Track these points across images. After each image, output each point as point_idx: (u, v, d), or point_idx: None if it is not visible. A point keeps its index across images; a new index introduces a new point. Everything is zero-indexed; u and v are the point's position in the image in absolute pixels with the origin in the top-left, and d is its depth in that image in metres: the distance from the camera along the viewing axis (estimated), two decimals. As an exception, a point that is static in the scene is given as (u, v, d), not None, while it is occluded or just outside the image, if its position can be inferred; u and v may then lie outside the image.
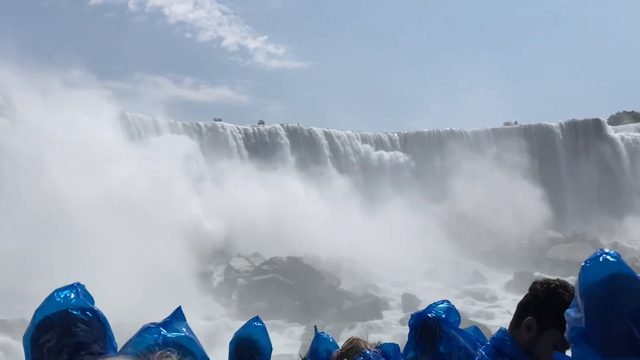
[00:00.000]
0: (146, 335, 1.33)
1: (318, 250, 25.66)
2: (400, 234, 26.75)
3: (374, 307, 22.19)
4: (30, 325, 1.44)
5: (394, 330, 19.50)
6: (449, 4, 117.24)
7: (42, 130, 23.88)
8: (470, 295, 24.79)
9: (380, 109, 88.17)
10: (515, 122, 39.93)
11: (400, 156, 36.10)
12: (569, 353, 1.40)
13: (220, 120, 34.69)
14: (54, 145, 23.52)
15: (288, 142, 34.27)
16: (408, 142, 37.04)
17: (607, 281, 1.19)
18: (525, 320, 1.60)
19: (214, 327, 18.36)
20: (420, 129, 38.10)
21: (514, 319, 1.68)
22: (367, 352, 2.26)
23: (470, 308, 22.73)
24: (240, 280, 24.81)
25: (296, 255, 25.25)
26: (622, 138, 37.80)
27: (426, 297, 20.36)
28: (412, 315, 1.97)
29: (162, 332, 1.33)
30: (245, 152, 32.89)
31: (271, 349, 2.63)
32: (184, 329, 1.40)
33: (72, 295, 1.46)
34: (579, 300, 1.23)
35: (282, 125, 35.52)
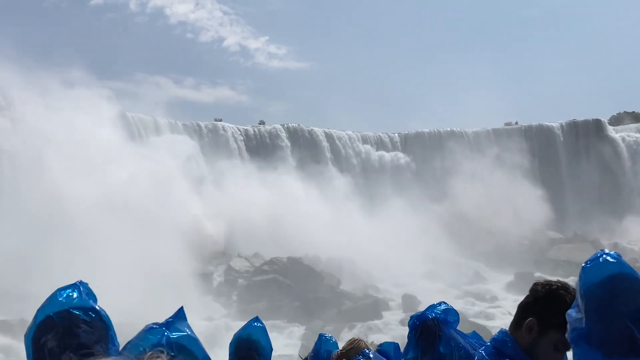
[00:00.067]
0: (149, 335, 1.33)
1: (318, 251, 25.66)
2: (401, 234, 26.75)
3: (374, 307, 22.18)
4: (31, 324, 1.43)
5: (393, 330, 19.50)
6: (450, 4, 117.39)
7: (42, 130, 23.89)
8: (470, 295, 24.77)
9: (381, 109, 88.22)
10: (516, 123, 39.92)
11: (401, 156, 36.10)
12: (569, 354, 1.40)
13: (220, 120, 34.72)
14: (54, 145, 23.54)
15: (288, 142, 34.28)
16: (408, 142, 37.04)
17: (608, 281, 1.19)
18: (527, 321, 1.60)
19: (214, 328, 18.37)
20: (420, 130, 38.11)
21: (514, 320, 1.68)
22: (367, 351, 2.26)
23: (470, 309, 22.71)
24: (240, 280, 24.81)
25: (296, 255, 25.25)
26: (623, 138, 37.78)
27: (426, 297, 20.35)
28: (411, 317, 1.97)
29: (166, 333, 1.33)
30: (245, 153, 32.90)
31: (271, 350, 2.63)
32: (187, 329, 1.39)
33: (75, 295, 1.45)
34: (579, 300, 1.24)
35: (282, 125, 35.53)
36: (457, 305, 2.08)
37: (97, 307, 1.47)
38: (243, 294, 23.42)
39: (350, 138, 36.29)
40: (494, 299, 24.70)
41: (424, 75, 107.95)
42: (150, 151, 26.84)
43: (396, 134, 37.71)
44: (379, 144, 36.73)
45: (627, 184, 36.33)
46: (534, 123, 38.74)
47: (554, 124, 38.31)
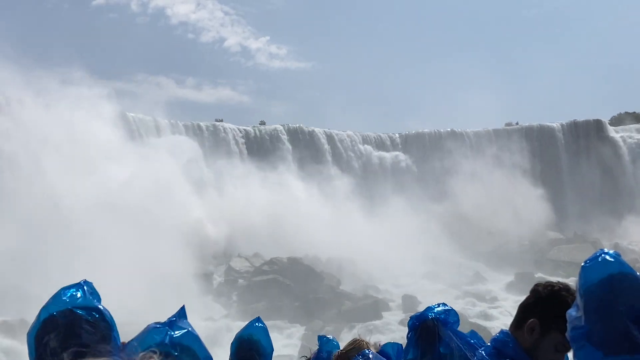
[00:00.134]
0: (153, 335, 1.32)
1: (318, 251, 25.67)
2: (401, 234, 26.74)
3: (374, 308, 22.18)
4: (34, 323, 1.43)
5: (393, 331, 19.49)
6: (450, 4, 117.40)
7: (41, 130, 23.90)
8: (470, 296, 24.76)
9: (382, 109, 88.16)
10: (517, 123, 39.91)
11: (401, 157, 36.09)
12: (570, 355, 1.40)
13: (221, 120, 34.72)
14: (53, 145, 23.55)
15: (289, 142, 34.29)
16: (409, 142, 37.04)
17: (607, 281, 1.20)
18: (529, 322, 1.61)
19: (214, 328, 18.37)
20: (421, 130, 38.11)
21: (515, 320, 1.69)
22: (367, 352, 2.25)
23: (470, 309, 22.70)
24: (240, 280, 24.81)
25: (296, 255, 25.25)
26: (623, 139, 37.77)
27: (426, 298, 20.35)
28: (411, 317, 1.97)
29: (169, 332, 1.32)
30: (245, 153, 32.90)
31: (272, 350, 2.64)
32: (189, 329, 1.39)
33: (79, 294, 1.45)
34: (579, 299, 1.24)
35: (282, 125, 35.54)
36: (457, 306, 2.09)
37: (101, 307, 1.47)
38: (243, 294, 23.43)
39: (350, 138, 36.29)
40: (494, 299, 24.69)
41: (424, 76, 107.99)
42: (151, 151, 26.86)
43: (396, 134, 37.71)
44: (379, 144, 36.73)
45: (628, 185, 36.32)
46: (535, 123, 38.75)
47: (554, 125, 38.30)
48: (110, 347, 1.44)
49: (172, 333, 1.32)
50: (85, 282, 1.50)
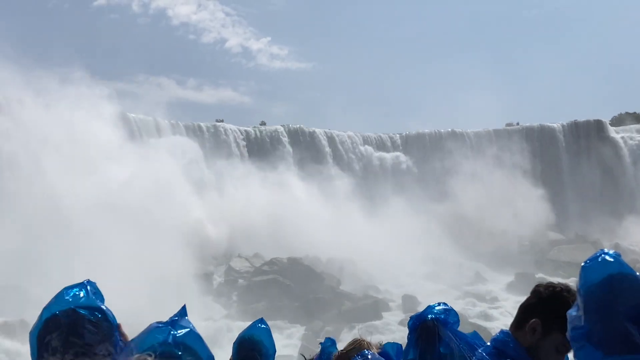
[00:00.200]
0: (156, 334, 1.32)
1: (318, 251, 25.66)
2: (401, 235, 26.74)
3: (374, 308, 22.18)
4: (37, 322, 1.43)
5: (393, 331, 19.49)
6: (452, 5, 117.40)
7: (41, 130, 23.90)
8: (471, 296, 24.76)
9: (383, 109, 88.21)
10: (517, 123, 39.90)
11: (402, 157, 36.09)
12: (570, 355, 1.40)
13: (221, 121, 34.73)
14: (53, 145, 23.54)
15: (289, 143, 34.29)
16: (409, 143, 37.03)
17: (608, 281, 1.21)
18: (531, 322, 1.61)
19: (214, 328, 18.37)
20: (421, 130, 38.11)
21: (515, 320, 1.69)
22: (366, 352, 2.25)
23: (471, 309, 22.70)
24: (240, 281, 24.81)
25: (296, 256, 25.25)
26: (624, 139, 37.75)
27: (427, 298, 20.32)
28: (411, 317, 1.97)
29: (172, 332, 1.32)
30: (246, 153, 32.90)
31: (274, 351, 2.64)
32: (191, 328, 1.39)
33: (82, 294, 1.45)
34: (579, 300, 1.25)
35: (283, 126, 35.55)
36: (457, 306, 2.09)
37: (103, 307, 1.47)
38: (243, 295, 23.42)
39: (351, 139, 36.29)
40: (494, 299, 24.67)
41: (425, 76, 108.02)
42: (151, 152, 26.87)
43: (397, 135, 37.71)
44: (380, 145, 36.72)
45: (628, 185, 36.29)
46: (535, 124, 38.74)
47: (555, 125, 38.28)
48: (112, 347, 1.44)
49: (175, 332, 1.32)
50: (89, 281, 1.50)
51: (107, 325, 1.44)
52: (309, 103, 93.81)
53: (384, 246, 25.66)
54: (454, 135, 36.97)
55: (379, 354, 2.33)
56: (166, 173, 25.60)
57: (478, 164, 33.92)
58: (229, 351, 2.67)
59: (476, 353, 1.68)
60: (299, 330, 20.23)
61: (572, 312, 1.26)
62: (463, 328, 1.98)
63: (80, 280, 1.52)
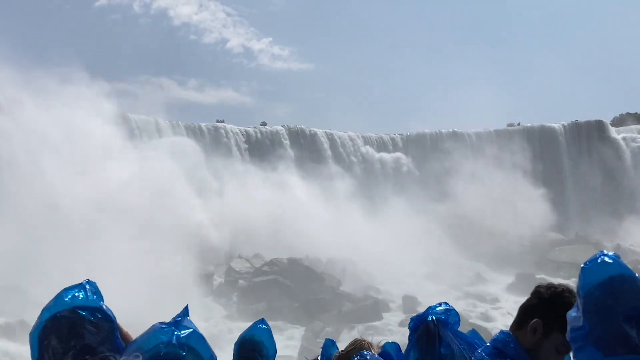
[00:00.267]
0: (159, 335, 1.32)
1: (319, 252, 25.65)
2: (402, 235, 26.72)
3: (374, 309, 22.17)
4: (36, 324, 1.42)
5: (393, 332, 19.48)
6: (453, 5, 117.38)
7: (41, 130, 23.90)
8: (471, 297, 24.74)
9: (384, 110, 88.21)
10: (518, 124, 39.88)
11: (402, 157, 36.08)
12: (571, 355, 1.40)
13: (222, 121, 34.74)
14: (52, 145, 23.54)
15: (289, 143, 34.30)
16: (410, 143, 37.02)
17: (608, 282, 1.21)
18: (532, 322, 1.61)
19: (214, 329, 18.38)
20: (422, 130, 38.09)
21: (516, 321, 1.69)
22: (365, 353, 2.25)
23: (471, 310, 22.69)
24: (240, 281, 24.80)
25: (297, 256, 25.25)
26: (625, 140, 37.72)
27: (427, 298, 20.30)
28: (412, 318, 1.96)
29: (176, 332, 1.32)
30: (246, 154, 32.90)
31: (275, 352, 2.65)
32: (194, 328, 1.39)
33: (81, 294, 1.44)
34: (579, 301, 1.25)
35: (283, 126, 35.55)
36: (458, 307, 2.08)
37: (103, 307, 1.46)
38: (243, 295, 23.42)
39: (351, 139, 36.28)
40: (495, 300, 24.65)
41: (426, 76, 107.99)
42: (151, 152, 26.87)
43: (397, 135, 37.70)
44: (381, 145, 36.71)
45: (629, 186, 36.25)
46: (536, 124, 38.71)
47: (556, 125, 38.25)
48: (112, 347, 1.43)
49: (179, 333, 1.32)
50: (88, 281, 1.49)
51: (107, 325, 1.43)
52: (310, 103, 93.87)
53: (385, 247, 25.64)
54: (454, 135, 36.95)
55: (379, 354, 2.33)
56: (166, 173, 25.60)
57: (479, 164, 33.89)
58: (228, 352, 2.67)
59: (475, 353, 1.68)
60: (299, 331, 20.23)
61: (571, 313, 1.27)
62: (463, 329, 1.97)
63: (80, 281, 1.51)
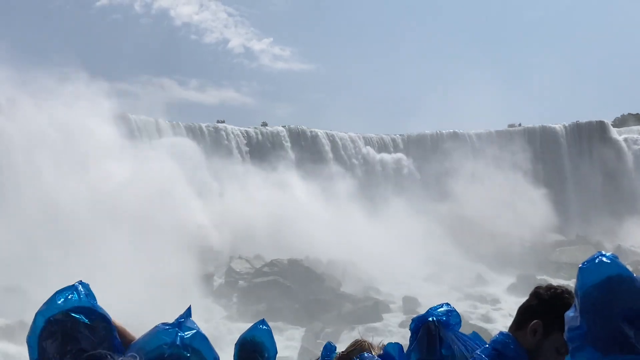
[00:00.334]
0: (163, 336, 1.31)
1: (319, 253, 25.64)
2: (403, 236, 26.71)
3: (374, 309, 22.15)
4: (31, 329, 1.41)
5: (393, 333, 19.46)
6: (454, 6, 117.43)
7: (39, 131, 23.90)
8: (472, 298, 24.71)
9: (385, 110, 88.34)
10: (519, 124, 39.86)
11: (403, 158, 36.07)
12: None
13: (223, 122, 34.75)
14: (52, 147, 23.53)
15: (290, 143, 34.29)
16: (411, 144, 37.01)
17: (605, 283, 1.22)
18: (532, 323, 1.61)
19: (214, 329, 18.35)
20: (423, 131, 38.09)
21: (515, 322, 1.69)
22: (365, 354, 2.24)
23: (472, 311, 22.66)
24: (240, 282, 24.79)
25: (297, 257, 25.24)
26: (626, 140, 37.68)
27: (427, 300, 20.30)
28: (413, 319, 1.96)
29: (179, 334, 1.32)
30: (247, 154, 32.90)
31: (276, 353, 2.64)
32: (198, 329, 1.38)
33: (74, 297, 1.43)
34: (576, 301, 1.26)
35: (284, 127, 35.55)
36: (458, 308, 2.08)
37: (97, 308, 1.45)
38: (243, 296, 23.41)
39: (352, 139, 36.28)
40: (495, 301, 24.62)
41: (427, 77, 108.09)
42: (151, 153, 26.87)
43: (398, 136, 37.70)
44: (381, 146, 36.71)
45: (630, 187, 36.20)
46: (537, 125, 38.68)
47: (556, 126, 38.22)
48: (110, 348, 1.42)
49: (182, 334, 1.31)
50: (81, 282, 1.48)
51: (103, 325, 1.43)
52: (312, 104, 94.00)
53: (385, 247, 25.63)
54: (455, 136, 36.93)
55: (380, 355, 2.32)
56: (166, 174, 25.60)
57: (479, 165, 33.88)
58: (228, 352, 2.66)
59: (474, 354, 1.67)
60: (299, 332, 20.21)
61: (569, 313, 1.28)
62: (464, 330, 1.97)
63: (81, 280, 1.50)
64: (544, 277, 25.59)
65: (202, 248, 24.37)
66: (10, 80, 24.49)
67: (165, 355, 1.25)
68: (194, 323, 1.38)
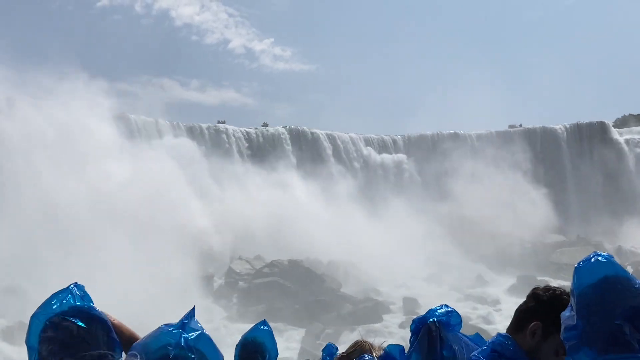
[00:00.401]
0: (167, 337, 1.31)
1: (319, 253, 25.64)
2: (403, 237, 26.69)
3: (374, 310, 22.14)
4: (29, 332, 1.40)
5: (393, 334, 19.44)
6: (455, 6, 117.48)
7: (38, 131, 23.90)
8: (472, 299, 24.68)
9: (385, 111, 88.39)
10: (520, 125, 39.86)
11: (403, 159, 36.07)
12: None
13: (223, 122, 34.76)
14: (50, 147, 23.52)
15: (290, 144, 34.29)
16: (411, 144, 37.01)
17: (601, 282, 1.24)
18: (532, 324, 1.61)
19: (214, 330, 18.34)
20: (423, 132, 38.10)
21: (513, 323, 1.69)
22: (366, 356, 2.23)
23: (472, 312, 22.63)
24: (241, 283, 24.78)
25: (297, 258, 25.22)
26: (627, 141, 37.67)
27: (428, 300, 20.29)
28: (413, 320, 1.95)
29: (184, 335, 1.31)
30: (247, 155, 32.90)
31: (277, 353, 2.64)
32: (202, 330, 1.38)
33: (69, 300, 1.43)
34: (573, 301, 1.27)
35: (284, 127, 35.55)
36: (458, 309, 2.07)
37: (93, 310, 1.44)
38: (243, 297, 23.39)
39: (352, 140, 36.28)
40: (496, 302, 24.59)
41: (427, 78, 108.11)
42: (152, 153, 26.87)
43: (399, 136, 37.71)
44: (382, 146, 36.71)
45: (631, 187, 36.18)
46: (538, 125, 38.67)
47: (557, 127, 38.21)
48: (109, 349, 1.42)
49: (187, 336, 1.31)
50: (76, 284, 1.48)
51: (100, 326, 1.42)
52: (312, 104, 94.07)
53: (385, 248, 25.61)
54: (455, 136, 36.93)
55: (381, 356, 2.31)
56: (166, 175, 25.60)
57: (479, 165, 33.87)
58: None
59: (472, 356, 1.67)
60: (299, 333, 20.19)
61: (565, 313, 1.29)
62: (464, 331, 1.96)
63: (76, 282, 1.49)
64: (544, 277, 25.54)
65: (202, 249, 24.36)
66: (10, 80, 24.52)
67: (170, 357, 1.25)
68: (198, 324, 1.37)
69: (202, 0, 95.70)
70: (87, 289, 1.48)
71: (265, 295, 22.70)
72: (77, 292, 1.45)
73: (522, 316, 1.66)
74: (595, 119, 38.54)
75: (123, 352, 1.47)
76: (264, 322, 2.70)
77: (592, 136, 37.51)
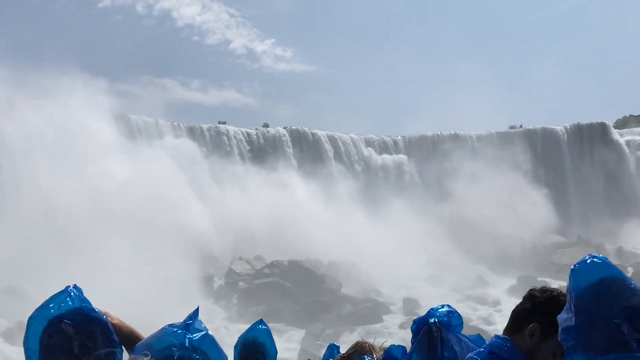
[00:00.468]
0: (171, 338, 1.30)
1: (320, 254, 25.63)
2: (403, 237, 26.68)
3: (374, 311, 22.13)
4: (27, 335, 1.40)
5: (393, 334, 19.42)
6: (456, 7, 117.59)
7: (39, 131, 23.90)
8: (472, 300, 24.67)
9: (387, 112, 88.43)
10: (521, 126, 39.86)
11: (404, 160, 36.07)
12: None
13: (224, 123, 34.76)
14: (50, 147, 23.52)
15: (291, 145, 34.29)
16: (412, 145, 37.02)
17: (598, 283, 1.25)
18: (530, 326, 1.61)
19: (214, 331, 18.23)
20: (424, 133, 38.09)
21: (510, 325, 1.69)
22: (366, 357, 2.22)
23: (472, 313, 22.62)
24: (241, 283, 24.77)
25: (297, 258, 25.21)
26: (628, 142, 37.66)
27: (428, 301, 20.27)
28: (414, 321, 1.94)
29: (187, 336, 1.31)
30: (248, 155, 32.90)
31: (276, 353, 2.64)
32: (206, 331, 1.38)
33: (68, 302, 1.42)
34: (569, 302, 1.28)
35: (285, 128, 35.56)
36: (459, 309, 2.06)
37: (92, 311, 1.43)
38: (243, 297, 23.39)
39: (353, 141, 36.29)
40: (496, 303, 24.58)
41: (428, 78, 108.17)
42: (152, 154, 26.87)
43: (399, 137, 37.71)
44: (383, 147, 36.71)
45: (631, 188, 36.15)
46: (538, 126, 38.66)
47: (557, 128, 38.21)
48: (109, 349, 1.41)
49: (191, 336, 1.31)
50: (75, 286, 1.47)
51: (99, 327, 1.41)
52: (313, 105, 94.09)
53: (386, 249, 25.61)
54: (456, 137, 36.92)
55: (382, 357, 2.30)
56: (166, 175, 25.59)
57: (480, 166, 33.85)
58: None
59: (467, 357, 1.66)
60: (299, 333, 20.17)
61: (562, 315, 1.30)
62: (464, 331, 1.95)
63: (75, 284, 1.48)
64: (545, 278, 25.54)
65: (203, 249, 24.36)
66: (10, 81, 24.53)
67: (175, 358, 1.25)
68: (202, 324, 1.37)
69: (203, 0, 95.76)
70: (87, 289, 1.47)
71: (266, 295, 22.69)
72: (76, 294, 1.44)
73: (519, 317, 1.66)
74: (595, 119, 38.56)
75: (124, 352, 1.46)
76: (261, 321, 2.70)
77: (592, 137, 37.50)
